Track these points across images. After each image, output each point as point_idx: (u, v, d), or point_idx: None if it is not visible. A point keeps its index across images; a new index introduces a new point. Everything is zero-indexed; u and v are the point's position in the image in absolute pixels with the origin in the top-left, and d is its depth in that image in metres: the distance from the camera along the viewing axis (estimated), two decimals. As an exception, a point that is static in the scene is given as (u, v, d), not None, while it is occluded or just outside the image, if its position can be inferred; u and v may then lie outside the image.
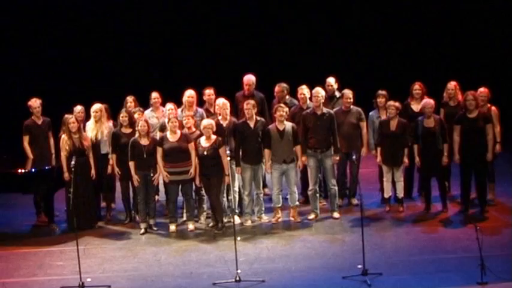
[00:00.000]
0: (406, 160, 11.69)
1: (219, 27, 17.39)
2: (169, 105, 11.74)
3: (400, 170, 11.75)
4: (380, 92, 12.09)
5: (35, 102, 12.16)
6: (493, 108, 11.82)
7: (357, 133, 12.01)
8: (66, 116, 11.70)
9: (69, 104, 12.12)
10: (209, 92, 12.23)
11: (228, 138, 11.48)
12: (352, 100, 11.97)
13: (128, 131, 11.75)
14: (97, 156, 11.86)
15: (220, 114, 11.66)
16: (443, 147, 11.50)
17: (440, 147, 11.49)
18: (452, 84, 12.17)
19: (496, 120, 11.73)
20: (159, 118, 12.24)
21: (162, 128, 11.83)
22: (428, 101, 11.59)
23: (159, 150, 11.35)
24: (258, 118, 11.57)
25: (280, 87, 12.31)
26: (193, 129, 11.58)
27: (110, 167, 11.80)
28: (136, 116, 11.92)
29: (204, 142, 11.27)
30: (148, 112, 12.28)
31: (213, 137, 11.22)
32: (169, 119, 11.47)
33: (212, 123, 11.27)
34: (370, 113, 12.16)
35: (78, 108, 12.03)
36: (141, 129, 11.39)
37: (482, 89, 11.80)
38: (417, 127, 11.56)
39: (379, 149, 11.78)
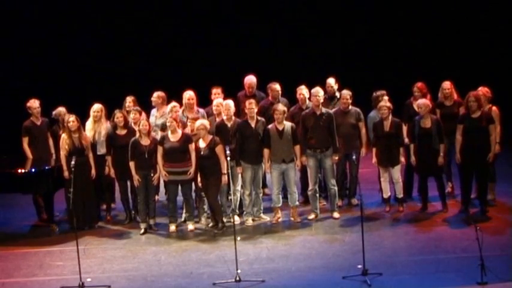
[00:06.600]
0: (402, 159, 11.69)
1: (219, 27, 17.39)
2: (173, 104, 11.74)
3: (397, 170, 11.73)
4: (380, 92, 12.01)
5: (34, 103, 12.17)
6: (494, 108, 11.76)
7: (356, 133, 11.98)
8: (65, 113, 11.76)
9: (69, 104, 12.13)
10: (216, 91, 12.23)
11: (232, 138, 11.49)
12: (350, 100, 11.93)
13: (123, 132, 11.74)
14: (95, 157, 11.87)
15: (221, 115, 11.64)
16: (439, 147, 11.49)
17: (436, 147, 11.47)
18: (447, 84, 12.09)
19: (497, 120, 11.68)
20: (157, 117, 12.24)
21: (163, 128, 11.82)
22: (423, 101, 11.54)
23: (159, 149, 11.35)
24: (259, 118, 11.57)
25: (272, 88, 12.27)
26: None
27: (107, 168, 11.80)
28: (132, 115, 11.87)
29: (201, 143, 11.27)
30: (154, 111, 12.27)
31: (210, 136, 11.22)
32: (167, 119, 11.43)
33: (204, 124, 11.24)
34: (370, 114, 12.09)
35: (59, 109, 12.03)
36: (142, 128, 11.39)
37: (483, 89, 11.74)
38: (414, 127, 11.55)
39: (373, 150, 11.77)
